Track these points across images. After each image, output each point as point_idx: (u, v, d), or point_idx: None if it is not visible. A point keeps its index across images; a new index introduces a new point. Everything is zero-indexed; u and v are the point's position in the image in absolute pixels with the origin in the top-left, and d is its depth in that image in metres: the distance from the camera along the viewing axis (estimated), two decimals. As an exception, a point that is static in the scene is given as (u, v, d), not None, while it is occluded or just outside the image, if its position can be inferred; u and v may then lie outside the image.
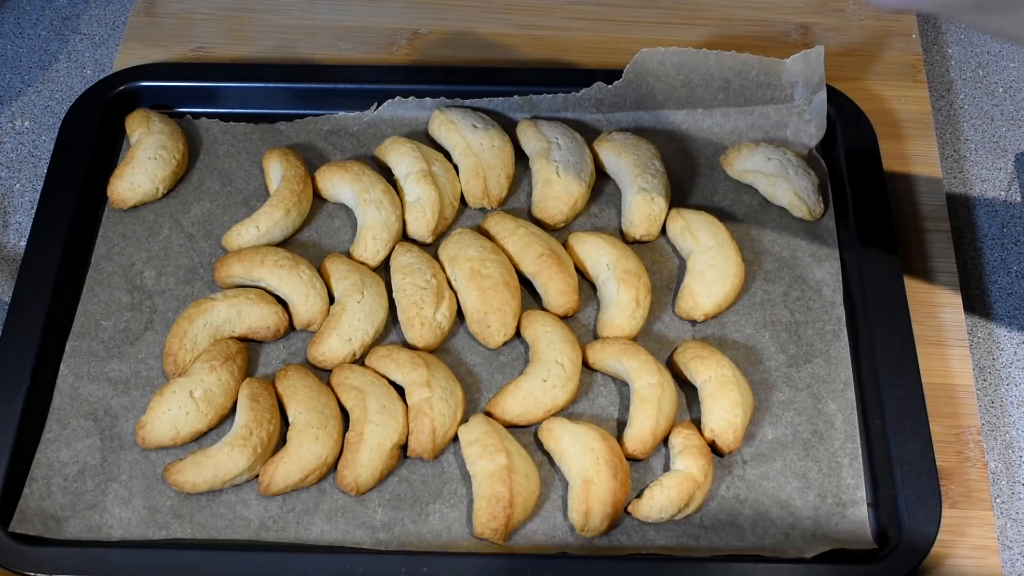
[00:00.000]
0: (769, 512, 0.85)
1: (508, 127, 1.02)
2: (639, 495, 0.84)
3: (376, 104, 1.03)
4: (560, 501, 0.85)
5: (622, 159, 0.98)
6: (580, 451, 0.84)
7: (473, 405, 0.89)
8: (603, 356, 0.89)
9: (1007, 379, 0.96)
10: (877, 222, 0.96)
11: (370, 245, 0.94)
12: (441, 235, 0.97)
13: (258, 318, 0.90)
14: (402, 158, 0.98)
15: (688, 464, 0.84)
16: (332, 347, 0.89)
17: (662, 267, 0.96)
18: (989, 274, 1.02)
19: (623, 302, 0.91)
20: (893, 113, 1.07)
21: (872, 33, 1.13)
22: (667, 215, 0.97)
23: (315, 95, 1.04)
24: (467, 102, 1.03)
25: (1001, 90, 1.14)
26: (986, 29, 0.77)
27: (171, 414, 0.86)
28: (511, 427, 0.87)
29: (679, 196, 1.00)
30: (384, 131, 1.03)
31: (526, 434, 0.88)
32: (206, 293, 0.94)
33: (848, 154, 1.00)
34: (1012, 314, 0.99)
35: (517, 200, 1.00)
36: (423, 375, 0.87)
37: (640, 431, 0.85)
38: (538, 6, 1.14)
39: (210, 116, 1.04)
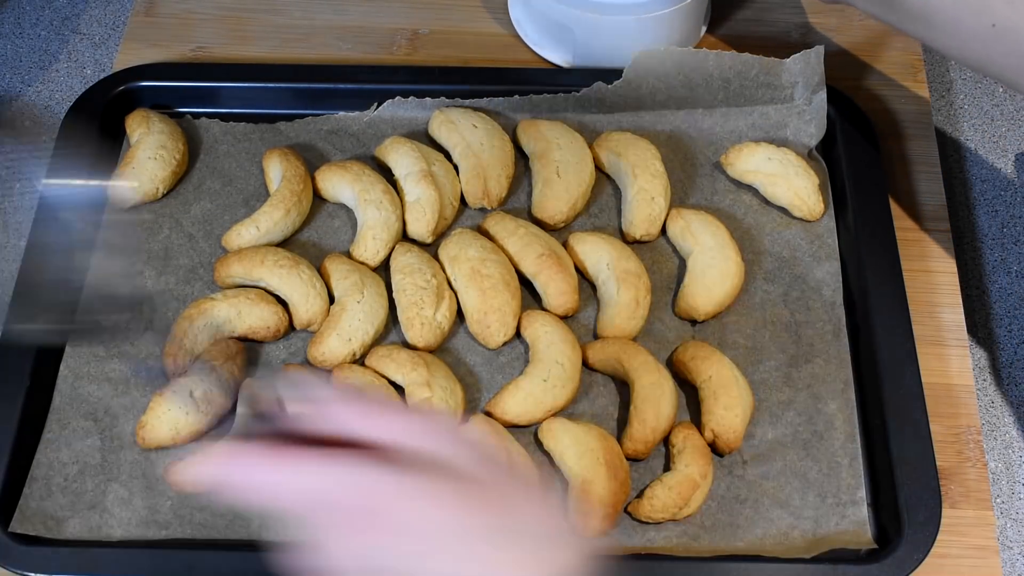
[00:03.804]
0: (769, 512, 0.85)
1: (508, 127, 1.02)
2: (639, 495, 0.84)
3: (376, 104, 1.03)
4: (560, 501, 0.85)
5: (622, 159, 0.98)
6: (580, 451, 0.84)
7: (473, 405, 0.89)
8: (603, 356, 0.89)
9: (1007, 379, 0.96)
10: (877, 222, 0.96)
11: (370, 245, 0.94)
12: (441, 235, 0.97)
13: (258, 318, 0.90)
14: (402, 158, 0.98)
15: (688, 464, 0.84)
16: (332, 347, 0.89)
17: (662, 267, 0.96)
18: (989, 274, 1.02)
19: (623, 302, 0.91)
20: (893, 113, 1.07)
21: (872, 33, 1.13)
22: (667, 215, 0.97)
23: (315, 95, 1.04)
24: (467, 102, 1.03)
25: (1001, 90, 1.14)
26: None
27: (171, 414, 0.86)
28: (511, 427, 0.87)
29: (679, 196, 1.00)
30: (384, 131, 1.03)
31: (526, 434, 0.88)
32: (206, 293, 0.94)
33: (848, 154, 1.00)
34: (1012, 314, 0.99)
35: (517, 200, 1.00)
36: (423, 375, 0.87)
37: (640, 431, 0.85)
38: (538, 6, 1.14)
39: (210, 116, 1.04)
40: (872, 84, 1.09)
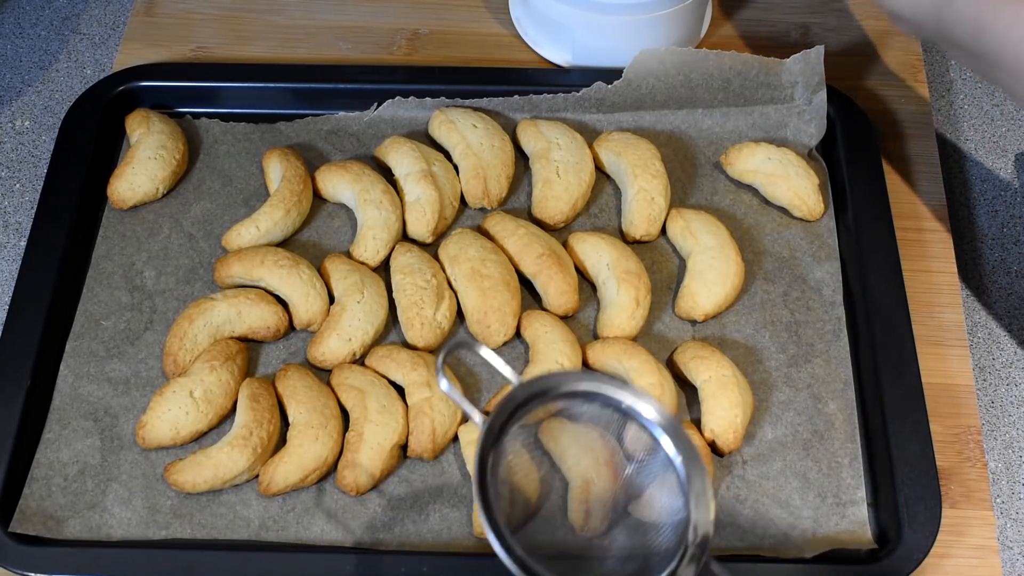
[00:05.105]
0: (769, 512, 0.85)
1: (508, 127, 1.02)
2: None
3: (376, 104, 1.03)
4: (560, 501, 0.85)
5: (622, 159, 0.98)
6: (580, 451, 0.84)
7: (473, 405, 0.89)
8: (603, 356, 0.89)
9: (1007, 379, 0.96)
10: (877, 222, 0.96)
11: (370, 245, 0.94)
12: (441, 235, 0.97)
13: (258, 318, 0.90)
14: (402, 158, 0.98)
15: (688, 464, 0.83)
16: (332, 347, 0.89)
17: (662, 267, 0.96)
18: (989, 274, 1.02)
19: (623, 302, 0.91)
20: (893, 113, 1.07)
21: (872, 33, 1.13)
22: (667, 215, 0.97)
23: (315, 95, 1.04)
24: (467, 102, 1.03)
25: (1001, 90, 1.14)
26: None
27: (171, 414, 0.86)
28: (511, 427, 0.87)
29: (679, 196, 1.00)
30: (384, 131, 1.03)
31: (526, 434, 0.88)
32: (206, 293, 0.94)
33: (848, 154, 1.00)
34: (1012, 314, 0.99)
35: (517, 200, 1.00)
36: (423, 375, 0.87)
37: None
38: (538, 6, 1.14)
39: (210, 116, 1.04)
40: (872, 84, 1.09)
